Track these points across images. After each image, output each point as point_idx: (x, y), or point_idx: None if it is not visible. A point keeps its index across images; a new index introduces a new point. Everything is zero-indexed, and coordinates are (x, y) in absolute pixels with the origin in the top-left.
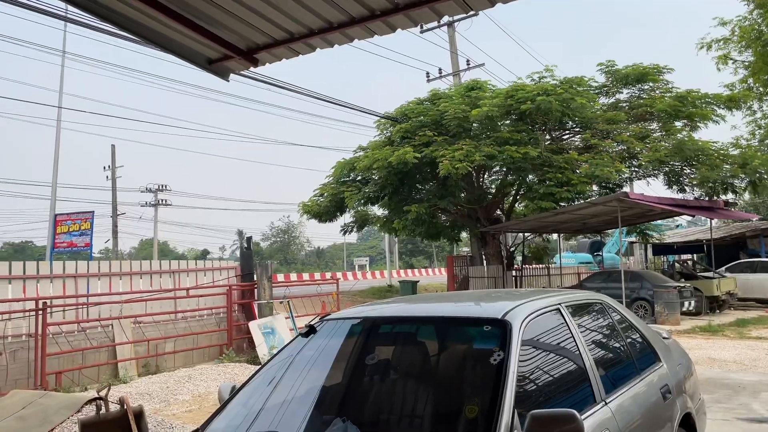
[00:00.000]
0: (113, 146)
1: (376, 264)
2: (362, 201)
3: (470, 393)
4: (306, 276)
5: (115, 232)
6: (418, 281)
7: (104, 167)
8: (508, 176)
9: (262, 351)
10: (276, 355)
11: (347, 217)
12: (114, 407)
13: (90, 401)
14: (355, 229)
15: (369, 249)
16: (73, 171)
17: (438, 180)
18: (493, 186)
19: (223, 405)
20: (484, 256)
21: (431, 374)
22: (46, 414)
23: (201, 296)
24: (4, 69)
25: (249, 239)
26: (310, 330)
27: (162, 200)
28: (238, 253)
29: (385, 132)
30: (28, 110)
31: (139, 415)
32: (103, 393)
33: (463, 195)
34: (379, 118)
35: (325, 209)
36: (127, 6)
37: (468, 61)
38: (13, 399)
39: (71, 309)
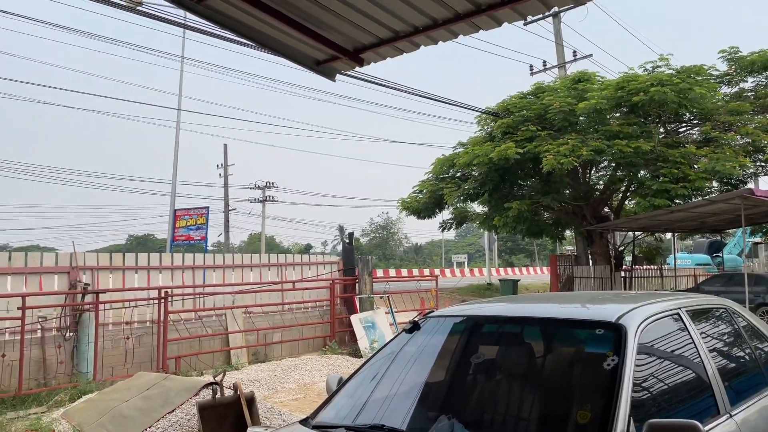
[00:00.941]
0: (225, 146)
1: (475, 261)
2: (461, 198)
3: (581, 397)
4: (405, 272)
5: (226, 227)
6: (519, 280)
7: (217, 165)
8: (617, 172)
9: (363, 344)
10: (381, 349)
11: (445, 214)
12: (228, 392)
13: (207, 385)
14: (453, 226)
15: (467, 246)
16: (189, 169)
17: (541, 176)
18: (601, 182)
19: (331, 395)
20: (590, 256)
21: (538, 376)
22: (168, 395)
23: (306, 289)
24: (129, 75)
25: (351, 235)
26: (414, 326)
27: (269, 197)
28: (339, 247)
29: (485, 128)
30: (151, 112)
31: (251, 401)
32: (218, 379)
33: (567, 191)
34: (479, 113)
35: (424, 206)
36: (242, 12)
37: (575, 52)
38: (140, 380)
39: (189, 298)
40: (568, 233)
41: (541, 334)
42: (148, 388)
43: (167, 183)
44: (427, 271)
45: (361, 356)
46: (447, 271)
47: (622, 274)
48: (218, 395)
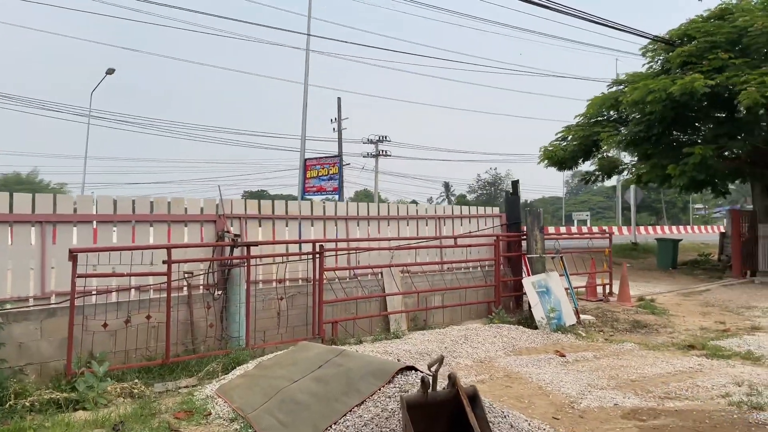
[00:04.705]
0: (339, 99)
1: (594, 219)
2: (623, 143)
3: None
4: (574, 228)
5: (341, 182)
6: (681, 240)
7: (331, 120)
8: None
9: (539, 313)
10: None
11: (586, 166)
12: (439, 384)
13: (402, 370)
14: (600, 179)
15: (580, 204)
16: (309, 123)
17: (729, 116)
18: None
19: None
20: None
21: None
22: (350, 379)
23: (468, 246)
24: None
25: (516, 183)
26: None
27: (383, 151)
28: (445, 203)
29: (656, 59)
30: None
31: (474, 398)
32: (434, 369)
33: (763, 134)
34: (650, 40)
35: (571, 154)
36: None
37: None
38: (307, 353)
39: (343, 253)
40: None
41: None
42: (321, 365)
43: (282, 137)
44: (595, 228)
45: (536, 327)
46: (573, 229)
47: None
48: (430, 390)
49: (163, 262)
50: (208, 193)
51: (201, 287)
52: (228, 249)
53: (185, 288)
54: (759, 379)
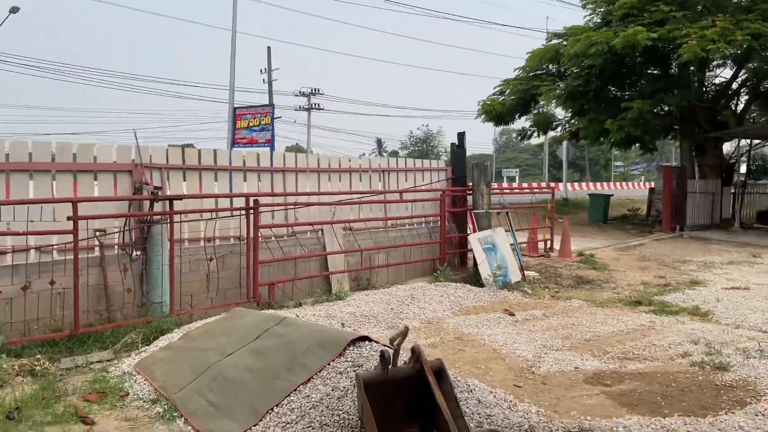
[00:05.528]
0: (269, 48)
1: (523, 177)
2: (561, 97)
3: None
4: (505, 184)
5: (273, 134)
6: (612, 195)
7: (261, 70)
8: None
9: (485, 271)
10: None
11: (521, 122)
12: (399, 357)
13: (353, 341)
14: (536, 134)
15: (507, 161)
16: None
17: (664, 72)
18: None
19: None
20: (697, 168)
21: None
22: (294, 352)
23: (413, 201)
24: None
25: (462, 135)
26: None
27: (315, 104)
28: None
29: (597, 11)
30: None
31: (439, 373)
32: (396, 343)
33: (696, 91)
34: None
35: (509, 109)
36: None
37: None
38: (242, 321)
39: (280, 209)
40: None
41: None
42: (258, 336)
43: (210, 88)
44: (543, 184)
45: (482, 284)
46: (504, 185)
47: (732, 189)
48: (389, 363)
49: (68, 218)
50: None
51: (116, 247)
52: (147, 204)
53: (97, 248)
54: (713, 336)
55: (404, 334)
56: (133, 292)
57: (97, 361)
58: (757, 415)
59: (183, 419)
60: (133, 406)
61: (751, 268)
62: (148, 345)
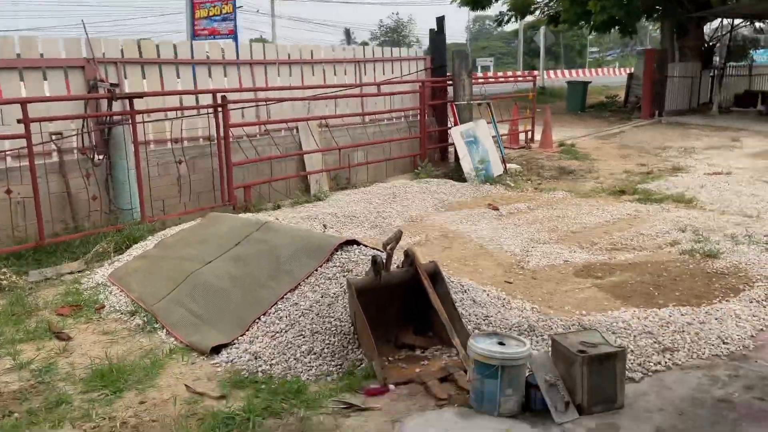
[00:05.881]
0: None
1: (497, 66)
2: None
3: None
4: (490, 73)
5: (236, 24)
6: (590, 82)
7: None
8: None
9: (467, 165)
10: None
11: (497, 8)
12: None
13: (343, 245)
14: (513, 19)
15: (480, 50)
16: None
17: None
18: None
19: None
20: (678, 51)
21: None
22: (277, 259)
23: (391, 94)
24: None
25: (441, 20)
26: None
27: None
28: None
29: None
30: None
31: (434, 276)
32: (390, 248)
33: None
34: None
35: None
36: None
37: None
38: (219, 228)
39: (251, 106)
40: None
41: None
42: (238, 242)
43: None
44: (517, 73)
45: (464, 179)
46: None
47: (711, 72)
48: (382, 268)
49: (18, 121)
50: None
51: (75, 151)
52: (105, 103)
53: (55, 153)
54: (699, 223)
55: (398, 238)
56: (100, 198)
57: (68, 273)
58: (751, 301)
59: (165, 331)
60: (110, 318)
61: (731, 152)
62: (121, 254)
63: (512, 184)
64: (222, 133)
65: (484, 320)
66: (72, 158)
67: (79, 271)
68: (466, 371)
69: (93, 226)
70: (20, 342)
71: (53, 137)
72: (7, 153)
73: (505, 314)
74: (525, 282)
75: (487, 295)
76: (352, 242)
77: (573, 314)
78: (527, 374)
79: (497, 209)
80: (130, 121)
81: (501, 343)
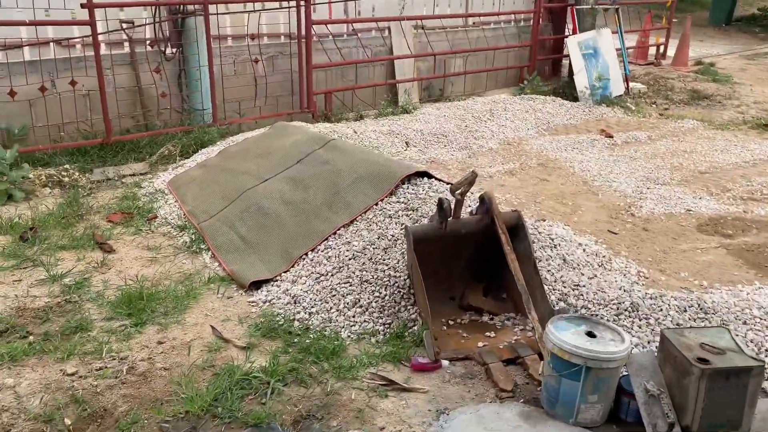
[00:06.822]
0: None
1: None
2: None
3: None
4: None
5: None
6: None
7: None
8: None
9: (582, 82)
10: None
11: None
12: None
13: (408, 177)
14: None
15: None
16: None
17: None
18: None
19: None
20: None
21: None
22: (337, 185)
23: None
24: None
25: None
26: None
27: None
28: None
29: None
30: None
31: (516, 229)
32: (460, 192)
33: None
34: None
35: None
36: None
37: None
38: (284, 141)
39: (338, 1)
40: None
41: None
42: (300, 159)
43: None
44: None
45: (576, 98)
46: None
47: None
48: (448, 215)
49: (82, 5)
50: None
51: (147, 44)
52: None
53: (126, 44)
54: None
55: (471, 181)
56: (169, 96)
57: (130, 174)
58: None
59: (210, 253)
60: (159, 232)
61: None
62: (186, 158)
63: (633, 108)
64: (303, 31)
65: (573, 289)
66: (141, 50)
67: (141, 174)
68: (540, 355)
69: (163, 125)
70: (62, 249)
71: (124, 26)
72: (77, 42)
73: (602, 281)
74: (633, 234)
75: (584, 250)
76: (423, 174)
77: (691, 285)
78: (621, 375)
79: (611, 137)
80: (204, 12)
81: (591, 334)
